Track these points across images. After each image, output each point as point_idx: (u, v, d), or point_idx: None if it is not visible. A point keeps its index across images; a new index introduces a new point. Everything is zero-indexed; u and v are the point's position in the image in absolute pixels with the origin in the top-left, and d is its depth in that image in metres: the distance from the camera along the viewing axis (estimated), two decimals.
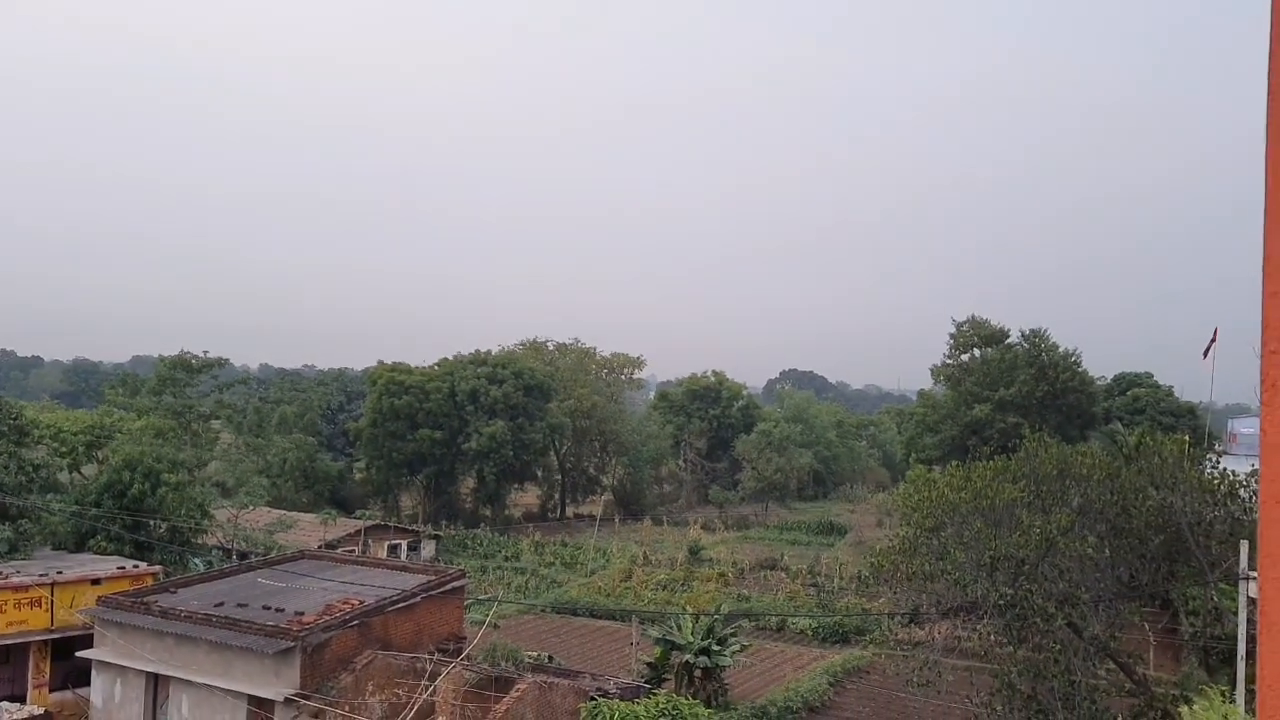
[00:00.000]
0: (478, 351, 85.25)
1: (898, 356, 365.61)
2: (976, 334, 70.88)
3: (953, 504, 23.62)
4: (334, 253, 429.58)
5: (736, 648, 33.36)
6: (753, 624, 43.55)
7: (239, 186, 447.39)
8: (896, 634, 36.10)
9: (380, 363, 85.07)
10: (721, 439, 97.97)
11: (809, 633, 43.43)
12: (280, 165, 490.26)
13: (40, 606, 29.28)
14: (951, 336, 71.90)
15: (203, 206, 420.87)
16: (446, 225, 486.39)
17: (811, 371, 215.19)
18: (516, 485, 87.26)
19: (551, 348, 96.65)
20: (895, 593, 26.08)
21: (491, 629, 34.47)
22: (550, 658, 33.15)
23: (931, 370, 74.60)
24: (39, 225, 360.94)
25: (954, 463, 33.33)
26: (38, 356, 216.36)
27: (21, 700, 28.76)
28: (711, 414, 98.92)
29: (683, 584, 52.19)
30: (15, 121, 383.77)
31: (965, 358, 71.94)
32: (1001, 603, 21.67)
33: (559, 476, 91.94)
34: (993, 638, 23.26)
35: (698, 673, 31.88)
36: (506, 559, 62.12)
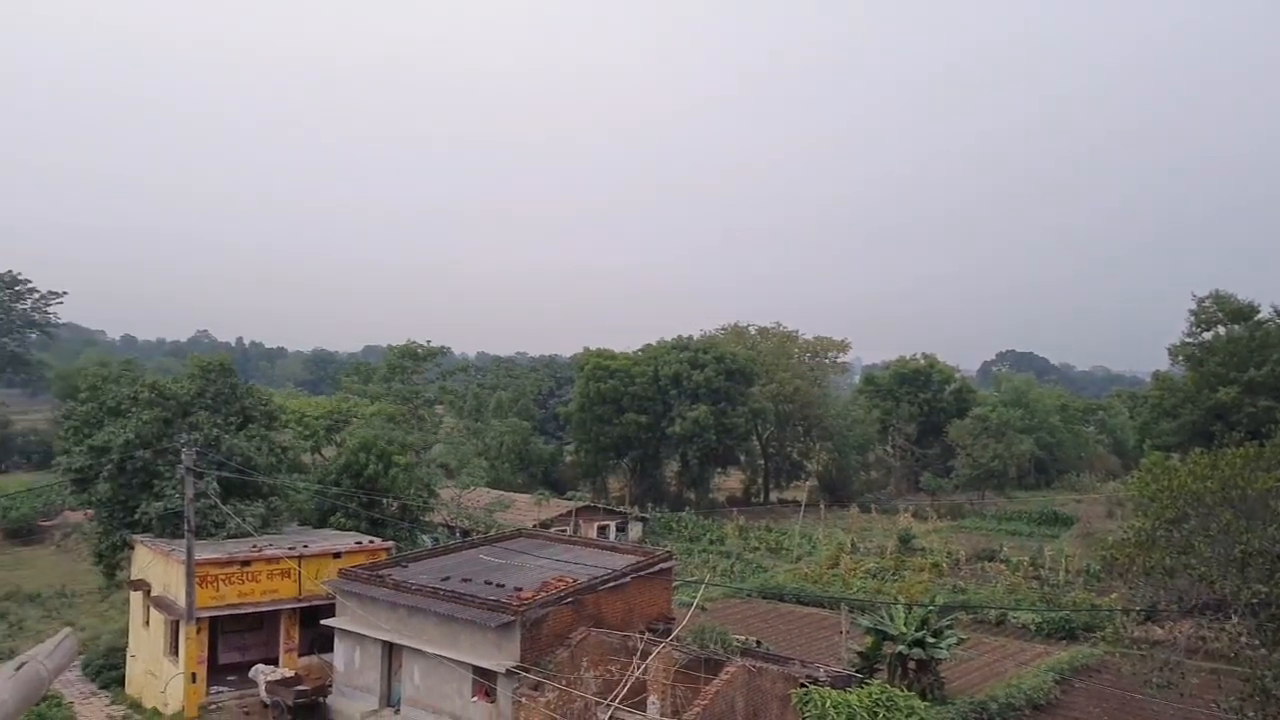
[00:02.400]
0: (680, 337, 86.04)
1: (1127, 336, 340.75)
2: (1221, 310, 64.86)
3: (1196, 494, 21.70)
4: (540, 253, 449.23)
5: (953, 640, 32.08)
6: (969, 617, 41.82)
7: (450, 199, 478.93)
8: (1131, 632, 33.68)
9: (586, 349, 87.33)
10: (933, 424, 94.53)
11: (1031, 628, 41.22)
12: (474, 172, 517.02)
13: (289, 577, 31.84)
14: (1192, 313, 66.15)
15: (425, 219, 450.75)
16: (646, 223, 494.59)
17: (1031, 353, 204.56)
18: (720, 469, 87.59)
19: (753, 332, 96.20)
20: (1130, 588, 24.29)
21: (699, 611, 34.71)
22: (758, 642, 33.02)
23: (1169, 350, 68.93)
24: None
25: (1197, 450, 30.66)
26: (282, 347, 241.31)
27: (274, 663, 31.48)
28: (921, 398, 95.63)
29: (893, 573, 50.76)
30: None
31: (1208, 336, 66.03)
32: (1254, 601, 19.76)
33: (762, 461, 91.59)
34: (1244, 639, 21.22)
35: (911, 664, 30.90)
36: (711, 542, 62.43)
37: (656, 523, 67.47)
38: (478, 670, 25.74)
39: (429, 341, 67.69)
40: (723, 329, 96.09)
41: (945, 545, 58.47)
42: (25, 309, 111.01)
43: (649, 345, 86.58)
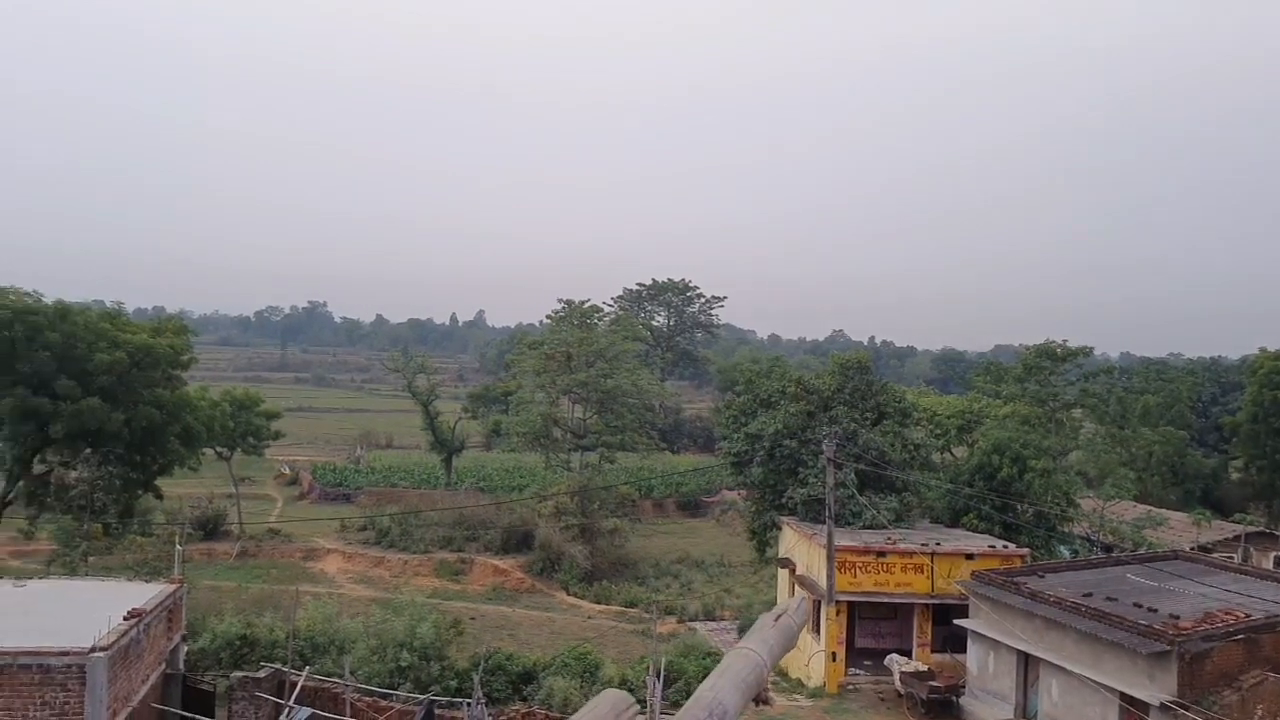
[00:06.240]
0: None
1: None
2: None
3: None
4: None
5: None
6: None
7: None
8: None
9: (1262, 350, 75.06)
10: None
11: None
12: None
13: (922, 573, 32.32)
14: None
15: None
16: None
17: None
18: None
19: None
20: None
21: None
22: None
23: None
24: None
25: None
26: (911, 347, 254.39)
27: (907, 654, 32.15)
28: None
29: None
30: None
31: None
32: None
33: None
34: None
35: None
36: None
37: None
38: (1125, 698, 23.51)
39: (1066, 341, 64.01)
40: None
41: None
42: (693, 311, 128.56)
43: None
